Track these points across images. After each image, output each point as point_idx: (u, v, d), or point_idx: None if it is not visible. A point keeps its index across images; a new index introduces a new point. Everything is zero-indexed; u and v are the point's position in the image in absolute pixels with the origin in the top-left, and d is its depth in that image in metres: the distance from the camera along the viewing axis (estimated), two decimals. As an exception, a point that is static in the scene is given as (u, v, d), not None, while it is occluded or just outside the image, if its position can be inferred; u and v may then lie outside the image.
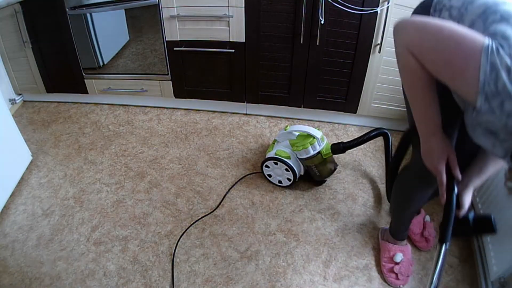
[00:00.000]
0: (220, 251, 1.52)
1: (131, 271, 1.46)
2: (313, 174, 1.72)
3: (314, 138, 1.61)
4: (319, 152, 1.61)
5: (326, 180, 1.82)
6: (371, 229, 1.61)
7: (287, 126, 1.75)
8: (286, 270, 1.46)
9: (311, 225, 1.63)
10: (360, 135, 1.63)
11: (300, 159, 1.68)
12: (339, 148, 1.62)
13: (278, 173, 1.74)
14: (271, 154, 1.71)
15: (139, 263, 1.48)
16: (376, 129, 1.61)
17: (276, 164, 1.70)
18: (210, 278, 1.43)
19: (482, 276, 1.35)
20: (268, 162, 1.72)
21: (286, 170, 1.69)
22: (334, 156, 1.72)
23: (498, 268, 1.24)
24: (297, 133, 1.68)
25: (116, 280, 1.43)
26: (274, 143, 1.80)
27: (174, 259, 1.49)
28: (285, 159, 1.65)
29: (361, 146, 2.03)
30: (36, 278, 1.43)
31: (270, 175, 1.78)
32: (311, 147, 1.61)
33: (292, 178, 1.72)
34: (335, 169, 1.74)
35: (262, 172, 1.79)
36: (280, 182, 1.77)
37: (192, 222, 1.63)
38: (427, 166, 1.00)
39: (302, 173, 1.75)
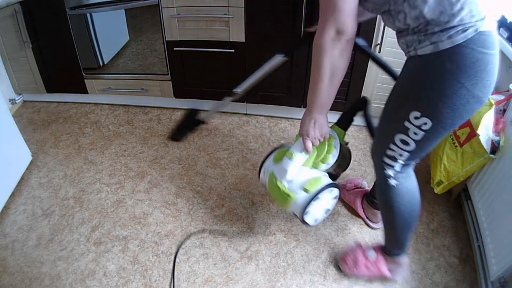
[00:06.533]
0: (220, 251, 1.52)
1: (131, 271, 1.46)
2: (343, 167, 1.45)
3: (330, 145, 1.32)
4: (340, 145, 1.35)
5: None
6: (371, 229, 1.61)
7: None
8: (286, 270, 1.46)
9: (311, 225, 1.63)
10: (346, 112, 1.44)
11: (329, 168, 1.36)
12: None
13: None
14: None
15: (139, 263, 1.48)
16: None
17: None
18: (210, 278, 1.43)
19: (482, 276, 1.35)
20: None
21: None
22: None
23: (498, 268, 1.24)
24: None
25: (116, 280, 1.43)
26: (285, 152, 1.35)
27: (175, 259, 1.50)
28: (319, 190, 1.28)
29: (361, 146, 2.03)
30: (36, 278, 1.43)
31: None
32: (331, 156, 1.32)
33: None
34: (350, 153, 1.45)
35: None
36: None
37: (192, 224, 1.63)
38: (305, 135, 1.17)
39: None
